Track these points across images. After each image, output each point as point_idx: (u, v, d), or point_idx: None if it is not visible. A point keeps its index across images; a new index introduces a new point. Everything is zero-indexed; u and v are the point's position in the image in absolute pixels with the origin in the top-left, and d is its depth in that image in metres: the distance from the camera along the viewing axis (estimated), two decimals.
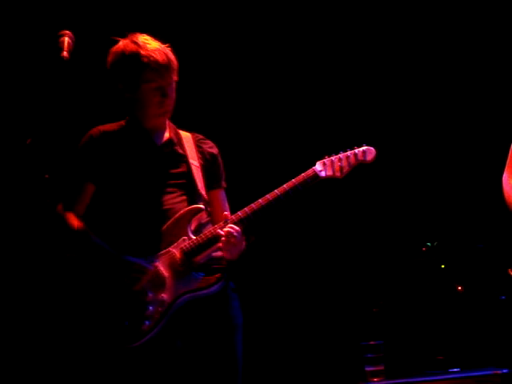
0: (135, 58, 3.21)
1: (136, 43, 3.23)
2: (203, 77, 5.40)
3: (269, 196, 3.21)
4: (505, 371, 4.42)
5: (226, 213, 3.25)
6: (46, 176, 3.00)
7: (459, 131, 5.69)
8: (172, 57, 3.27)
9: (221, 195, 3.46)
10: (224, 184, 3.48)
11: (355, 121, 5.62)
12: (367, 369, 4.71)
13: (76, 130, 3.46)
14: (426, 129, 5.75)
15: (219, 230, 3.18)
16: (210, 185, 3.41)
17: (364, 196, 5.66)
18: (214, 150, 3.46)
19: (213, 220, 3.38)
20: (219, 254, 3.26)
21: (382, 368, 4.71)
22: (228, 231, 3.16)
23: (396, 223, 5.73)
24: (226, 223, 3.18)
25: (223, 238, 3.16)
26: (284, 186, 3.22)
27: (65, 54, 3.00)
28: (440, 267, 5.54)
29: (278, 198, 3.20)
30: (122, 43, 3.27)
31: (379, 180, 5.44)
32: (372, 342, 4.75)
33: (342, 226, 5.71)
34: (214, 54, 5.53)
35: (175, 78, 3.30)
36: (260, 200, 3.22)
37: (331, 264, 5.66)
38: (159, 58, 3.20)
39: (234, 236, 3.15)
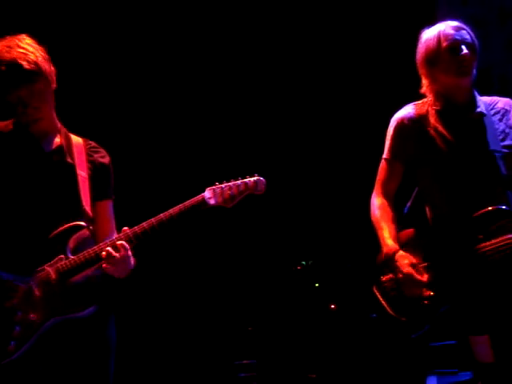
0: None
1: None
2: (100, 85, 5.35)
3: (153, 220, 3.12)
4: None
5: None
6: None
7: (329, 153, 5.81)
8: (35, 63, 3.04)
9: (108, 206, 3.32)
10: (112, 195, 3.35)
11: (246, 148, 5.66)
12: None
13: None
14: (276, 153, 5.83)
15: (108, 248, 3.06)
16: (98, 196, 3.27)
17: (240, 217, 5.67)
18: (106, 160, 3.32)
19: (97, 231, 3.26)
20: (97, 273, 3.16)
21: None
22: (110, 250, 3.04)
23: (270, 242, 5.78)
24: (112, 241, 3.07)
25: (106, 255, 3.04)
26: (170, 210, 3.13)
27: None
28: (314, 286, 5.63)
29: (162, 223, 3.12)
30: None
31: (253, 202, 5.46)
32: (245, 361, 4.75)
33: (217, 246, 5.71)
34: (114, 61, 5.48)
35: (40, 84, 3.07)
36: (144, 223, 3.12)
37: (204, 284, 5.64)
38: (8, 68, 3.00)
39: (120, 253, 3.04)
